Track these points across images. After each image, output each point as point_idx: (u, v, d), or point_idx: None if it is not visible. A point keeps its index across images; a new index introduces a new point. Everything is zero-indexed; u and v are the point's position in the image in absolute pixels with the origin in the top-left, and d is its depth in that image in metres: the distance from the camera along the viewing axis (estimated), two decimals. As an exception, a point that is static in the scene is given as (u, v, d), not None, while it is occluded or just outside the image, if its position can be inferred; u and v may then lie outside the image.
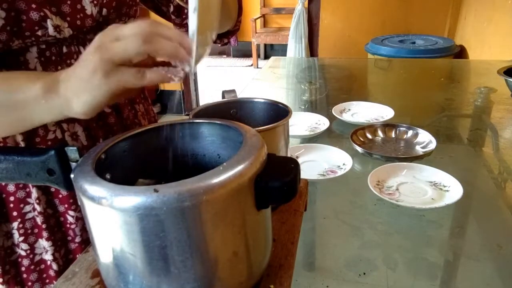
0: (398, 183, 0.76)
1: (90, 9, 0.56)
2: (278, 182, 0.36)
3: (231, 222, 0.36)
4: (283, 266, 0.45)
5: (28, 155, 0.40)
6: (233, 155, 0.37)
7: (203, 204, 0.33)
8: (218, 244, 0.35)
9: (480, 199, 0.76)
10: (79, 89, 0.42)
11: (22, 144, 0.55)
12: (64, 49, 0.56)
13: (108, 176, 0.41)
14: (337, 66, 1.79)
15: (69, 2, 0.53)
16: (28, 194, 0.58)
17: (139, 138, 0.46)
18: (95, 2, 0.56)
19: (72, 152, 0.39)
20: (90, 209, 0.35)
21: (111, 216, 0.33)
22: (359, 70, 1.78)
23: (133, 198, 0.32)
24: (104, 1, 0.57)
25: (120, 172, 0.43)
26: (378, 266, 0.59)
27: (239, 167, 0.35)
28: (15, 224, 0.59)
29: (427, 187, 0.75)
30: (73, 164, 0.39)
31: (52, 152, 0.39)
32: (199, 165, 0.49)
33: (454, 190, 0.71)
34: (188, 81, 3.34)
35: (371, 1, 3.01)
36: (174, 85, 3.37)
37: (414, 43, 2.67)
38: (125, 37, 0.39)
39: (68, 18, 0.54)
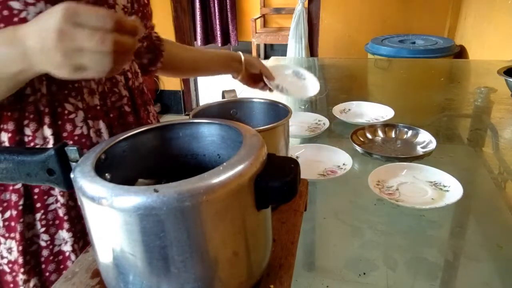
0: (398, 183, 0.76)
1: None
2: (278, 182, 0.36)
3: (231, 222, 0.36)
4: (283, 266, 0.45)
5: (28, 155, 0.40)
6: (233, 155, 0.37)
7: (203, 204, 0.33)
8: (218, 244, 0.35)
9: (480, 199, 0.76)
10: (40, 60, 0.43)
11: (51, 139, 0.57)
12: None
13: (108, 176, 0.41)
14: (337, 66, 1.79)
15: (105, 6, 0.58)
16: (52, 187, 0.59)
17: (139, 138, 0.46)
18: (125, 9, 0.61)
19: (72, 152, 0.39)
20: (90, 209, 0.35)
21: (111, 216, 0.33)
22: (359, 70, 1.78)
23: (133, 198, 0.32)
24: (133, 10, 0.63)
25: (120, 172, 0.43)
26: (378, 266, 0.59)
27: (239, 167, 0.35)
28: (37, 215, 0.60)
29: (427, 187, 0.75)
30: (73, 164, 0.39)
31: (52, 152, 0.38)
32: (199, 165, 0.49)
33: (454, 190, 0.71)
34: (188, 81, 3.34)
35: (371, 1, 3.01)
36: (174, 85, 3.37)
37: (414, 43, 2.67)
38: (88, 26, 0.40)
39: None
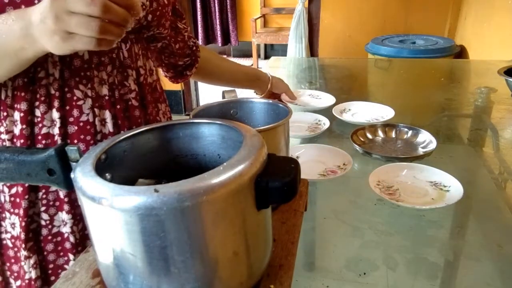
0: (398, 183, 0.76)
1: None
2: (278, 182, 0.36)
3: (231, 222, 0.36)
4: (283, 266, 0.45)
5: (28, 155, 0.40)
6: (233, 155, 0.37)
7: (203, 204, 0.33)
8: (218, 244, 0.35)
9: (480, 199, 0.76)
10: (39, 32, 0.46)
11: (58, 122, 0.59)
12: None
13: (108, 176, 0.41)
14: (337, 66, 1.79)
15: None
16: None
17: (139, 138, 0.46)
18: (144, 6, 0.61)
19: (72, 152, 0.39)
20: (90, 209, 0.35)
21: (111, 216, 0.33)
22: (359, 70, 1.78)
23: (133, 198, 0.32)
24: (151, 8, 0.63)
25: (120, 172, 0.43)
26: (378, 266, 0.59)
27: (239, 167, 0.35)
28: (39, 194, 0.62)
29: (427, 187, 0.74)
30: (73, 164, 0.39)
31: (52, 152, 0.39)
32: (199, 165, 0.49)
33: (454, 190, 0.71)
34: (189, 81, 3.34)
35: (371, 1, 3.01)
36: (175, 85, 3.36)
37: (414, 43, 2.67)
38: (80, 11, 0.42)
39: None
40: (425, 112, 1.22)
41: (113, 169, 0.42)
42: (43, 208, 0.62)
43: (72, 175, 0.38)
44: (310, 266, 0.62)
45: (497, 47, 2.03)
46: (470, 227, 0.70)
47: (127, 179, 0.44)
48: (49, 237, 0.64)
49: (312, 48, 3.40)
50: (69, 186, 0.39)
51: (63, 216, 0.63)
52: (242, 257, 0.38)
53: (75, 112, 0.60)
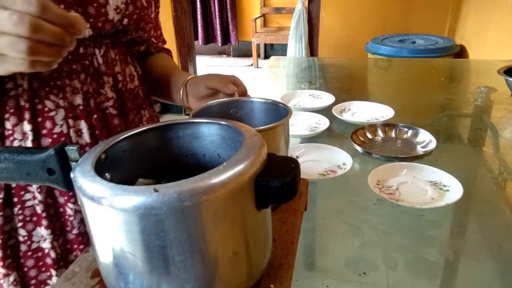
0: (398, 183, 0.76)
1: (112, 15, 0.59)
2: (278, 182, 0.36)
3: (231, 222, 0.36)
4: (283, 265, 0.45)
5: (28, 154, 0.40)
6: (233, 155, 0.37)
7: (203, 204, 0.33)
8: (218, 244, 0.35)
9: (480, 199, 0.76)
10: None
11: (30, 135, 0.57)
12: (81, 50, 0.60)
13: (108, 176, 0.41)
14: (337, 66, 1.79)
15: (95, 4, 0.57)
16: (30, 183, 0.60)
17: (139, 138, 0.46)
18: (118, 10, 0.60)
19: (72, 151, 0.39)
20: (90, 209, 0.35)
21: (111, 216, 0.33)
22: (359, 70, 1.78)
23: (133, 198, 0.32)
24: (127, 12, 0.61)
25: (120, 172, 0.43)
26: (378, 266, 0.59)
27: (239, 167, 0.35)
28: (15, 210, 0.60)
29: (427, 187, 0.74)
30: (73, 164, 0.39)
31: (52, 152, 0.38)
32: (199, 165, 0.49)
33: (454, 190, 0.71)
34: (188, 81, 3.33)
35: (371, 1, 3.01)
36: (174, 85, 3.36)
37: (414, 42, 2.67)
38: (9, 32, 0.39)
39: (91, 20, 0.57)
40: (425, 111, 1.22)
41: (113, 169, 0.42)
42: (20, 224, 0.60)
43: (71, 175, 0.38)
44: (310, 265, 0.62)
45: (497, 47, 2.03)
46: (470, 226, 0.70)
47: (127, 179, 0.44)
48: (29, 253, 0.62)
49: (312, 48, 3.40)
50: (69, 186, 0.39)
51: (42, 231, 0.61)
52: (242, 256, 0.38)
53: (48, 124, 0.58)
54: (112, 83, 0.64)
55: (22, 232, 0.61)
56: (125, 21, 0.62)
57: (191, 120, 0.48)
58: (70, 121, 0.59)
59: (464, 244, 0.65)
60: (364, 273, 0.57)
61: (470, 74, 1.67)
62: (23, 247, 0.62)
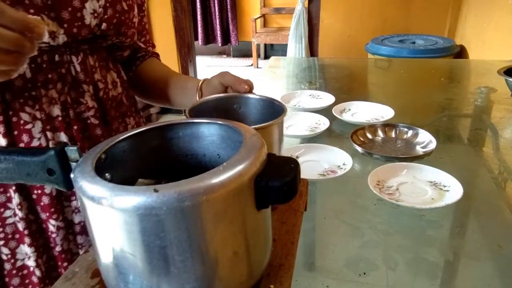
0: (398, 183, 0.76)
1: (89, 19, 0.56)
2: (278, 182, 0.36)
3: (231, 222, 0.36)
4: (283, 266, 0.45)
5: (28, 155, 0.40)
6: (233, 155, 0.37)
7: (203, 204, 0.33)
8: (218, 244, 0.35)
9: (480, 199, 0.76)
10: None
11: None
12: (56, 57, 0.57)
13: (108, 176, 0.41)
14: (337, 66, 1.79)
15: (69, 9, 0.54)
16: (9, 199, 0.58)
17: (139, 138, 0.46)
18: (95, 14, 0.56)
19: (72, 152, 0.39)
20: (90, 209, 0.35)
21: (111, 216, 0.33)
22: (359, 70, 1.78)
23: (133, 198, 0.32)
24: (106, 16, 0.58)
25: (120, 172, 0.43)
26: (378, 266, 0.59)
27: (239, 167, 0.35)
28: None
29: (427, 187, 0.74)
30: (73, 164, 0.39)
31: (52, 152, 0.38)
32: (199, 165, 0.49)
33: (454, 190, 0.71)
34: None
35: (371, 1, 3.01)
36: (174, 85, 3.36)
37: (414, 43, 2.67)
38: None
39: (65, 25, 0.54)
40: (425, 112, 1.22)
41: (113, 169, 0.42)
42: (1, 242, 0.58)
43: (71, 175, 0.38)
44: (310, 266, 0.62)
45: (497, 47, 2.03)
46: (470, 227, 0.70)
47: (127, 179, 0.44)
48: (14, 271, 0.60)
49: (312, 48, 3.40)
50: (69, 186, 0.39)
51: (26, 249, 0.59)
52: (242, 257, 0.38)
53: (25, 137, 0.55)
54: (93, 91, 0.61)
55: (4, 250, 0.59)
56: (104, 25, 0.59)
57: (191, 120, 0.48)
58: (49, 134, 0.57)
59: (464, 244, 0.65)
60: (364, 273, 0.57)
61: (470, 74, 1.67)
62: (7, 266, 0.60)
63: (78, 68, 0.59)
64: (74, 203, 0.61)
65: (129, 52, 0.72)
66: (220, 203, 0.34)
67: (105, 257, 0.37)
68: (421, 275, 0.57)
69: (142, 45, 0.78)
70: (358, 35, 3.09)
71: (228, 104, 0.63)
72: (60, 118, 0.57)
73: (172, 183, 0.32)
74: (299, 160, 0.85)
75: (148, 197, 0.31)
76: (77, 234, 0.63)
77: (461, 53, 2.56)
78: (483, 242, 0.64)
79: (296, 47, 3.45)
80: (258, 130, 0.50)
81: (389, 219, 0.70)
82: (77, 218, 0.62)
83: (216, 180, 0.33)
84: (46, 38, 0.52)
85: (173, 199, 0.31)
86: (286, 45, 3.62)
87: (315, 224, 0.70)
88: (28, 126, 0.55)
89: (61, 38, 0.55)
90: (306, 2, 3.25)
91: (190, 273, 0.35)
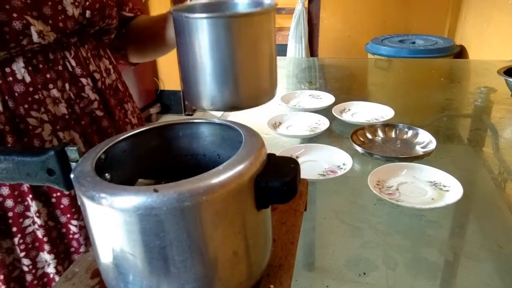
0: (398, 183, 0.76)
1: (71, 10, 0.55)
2: (278, 182, 0.36)
3: (231, 222, 0.36)
4: (283, 266, 0.45)
5: (28, 155, 0.40)
6: (233, 155, 0.37)
7: (203, 204, 0.33)
8: (218, 244, 0.35)
9: (480, 199, 0.76)
10: None
11: None
12: (50, 56, 0.56)
13: (108, 176, 0.41)
14: (337, 66, 1.79)
15: (49, 3, 0.52)
16: (27, 208, 0.57)
17: (139, 138, 0.46)
18: (76, 3, 0.55)
19: (72, 152, 0.39)
20: (90, 209, 0.35)
21: (111, 216, 0.33)
22: (359, 70, 1.78)
23: (133, 198, 0.32)
24: (87, 3, 0.56)
25: (120, 172, 0.43)
26: (378, 266, 0.59)
27: (239, 167, 0.35)
28: (15, 240, 0.57)
29: (427, 187, 0.75)
30: (73, 164, 0.39)
31: (52, 152, 0.38)
32: (199, 165, 0.49)
33: (454, 190, 0.71)
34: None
35: (371, 1, 3.01)
36: (174, 85, 3.37)
37: (414, 43, 2.67)
38: None
39: (50, 21, 0.53)
40: (425, 112, 1.22)
41: (113, 169, 0.42)
42: (22, 254, 0.57)
43: (72, 175, 0.38)
44: (310, 266, 0.62)
45: (497, 47, 2.03)
46: (470, 227, 0.70)
47: (127, 179, 0.44)
48: (35, 282, 0.59)
49: (312, 48, 3.40)
50: (69, 186, 0.39)
51: (45, 256, 0.58)
52: (242, 257, 0.38)
53: (36, 143, 0.54)
54: (92, 84, 0.60)
55: (25, 261, 0.58)
56: (88, 13, 0.57)
57: (191, 120, 0.48)
58: (60, 134, 0.56)
59: (464, 244, 0.65)
60: (364, 274, 0.57)
61: (470, 74, 1.67)
62: (29, 277, 0.59)
63: (73, 62, 0.58)
64: None
65: (114, 30, 0.70)
66: (220, 203, 0.34)
67: (105, 257, 0.37)
68: (421, 275, 0.57)
69: (128, 14, 0.74)
70: (358, 35, 3.09)
71: (215, 10, 0.53)
72: (67, 116, 0.57)
73: (172, 183, 0.32)
74: (299, 160, 0.85)
75: (148, 197, 0.31)
76: None
77: (461, 53, 2.56)
78: (483, 242, 0.64)
79: (296, 47, 3.44)
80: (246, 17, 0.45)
81: (389, 219, 0.70)
82: None
83: (216, 180, 0.33)
84: (36, 38, 0.52)
85: (173, 199, 0.32)
86: (286, 45, 3.62)
87: (315, 224, 0.70)
88: (38, 131, 0.54)
89: (51, 36, 0.54)
90: (306, 2, 3.25)
91: (190, 273, 0.35)
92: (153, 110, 3.35)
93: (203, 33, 0.44)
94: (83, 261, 0.47)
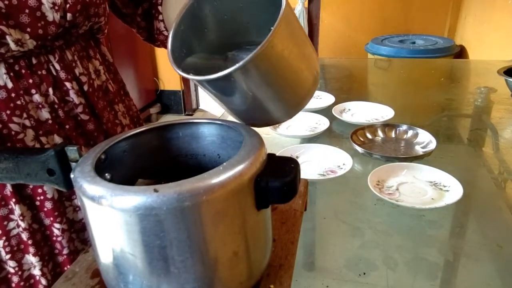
0: (398, 183, 0.76)
1: (51, 15, 0.52)
2: (278, 182, 0.36)
3: (231, 222, 0.36)
4: (283, 266, 0.45)
5: (28, 155, 0.40)
6: (233, 155, 0.37)
7: (203, 204, 0.33)
8: (218, 244, 0.35)
9: (480, 199, 0.76)
10: None
11: None
12: (33, 60, 0.55)
13: (108, 176, 0.41)
14: (337, 66, 1.79)
15: (27, 11, 0.50)
16: (11, 211, 0.57)
17: (139, 138, 0.46)
18: (56, 7, 0.52)
19: (72, 152, 0.39)
20: (90, 209, 0.35)
21: (111, 216, 0.33)
22: (359, 70, 1.78)
23: (133, 198, 0.32)
24: (67, 6, 0.54)
25: (120, 172, 0.43)
26: (378, 266, 0.59)
27: (239, 167, 0.35)
28: (0, 242, 0.57)
29: (427, 187, 0.74)
30: (73, 164, 0.39)
31: (52, 152, 0.39)
32: (199, 165, 0.49)
33: (454, 190, 0.71)
34: (188, 81, 3.34)
35: (371, 1, 3.01)
36: (174, 85, 3.37)
37: (414, 43, 2.67)
38: None
39: (29, 29, 0.51)
40: (425, 112, 1.22)
41: (113, 169, 0.42)
42: (8, 256, 0.57)
43: (71, 175, 0.38)
44: (310, 266, 0.62)
45: (497, 47, 2.03)
46: (470, 227, 0.70)
47: (127, 179, 0.44)
48: (22, 283, 0.59)
49: (312, 48, 3.39)
50: (69, 186, 0.39)
51: (31, 258, 0.59)
52: (242, 257, 0.38)
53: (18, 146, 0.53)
54: (78, 87, 0.59)
55: (11, 263, 0.58)
56: (69, 16, 0.54)
57: (191, 120, 0.48)
58: (42, 139, 0.55)
59: (464, 244, 0.65)
60: (364, 274, 0.57)
61: (470, 74, 1.67)
62: (15, 278, 0.59)
63: (57, 66, 0.56)
64: (75, 202, 0.60)
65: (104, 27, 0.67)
66: (220, 203, 0.34)
67: (105, 257, 0.37)
68: (421, 275, 0.57)
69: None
70: (358, 35, 3.09)
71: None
72: (50, 121, 0.56)
73: (172, 183, 0.32)
74: (299, 160, 0.85)
75: (148, 197, 0.31)
76: (79, 231, 0.63)
77: (461, 53, 2.56)
78: (483, 242, 0.64)
79: (296, 47, 3.44)
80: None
81: (389, 219, 0.70)
82: (78, 216, 0.61)
83: (216, 180, 0.33)
84: (13, 47, 0.50)
85: (173, 199, 0.32)
86: (286, 45, 3.61)
87: (315, 224, 0.70)
88: (20, 136, 0.53)
89: (30, 43, 0.52)
90: (306, 2, 3.24)
91: (190, 273, 0.35)
92: (153, 110, 3.35)
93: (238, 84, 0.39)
94: (83, 261, 0.47)
